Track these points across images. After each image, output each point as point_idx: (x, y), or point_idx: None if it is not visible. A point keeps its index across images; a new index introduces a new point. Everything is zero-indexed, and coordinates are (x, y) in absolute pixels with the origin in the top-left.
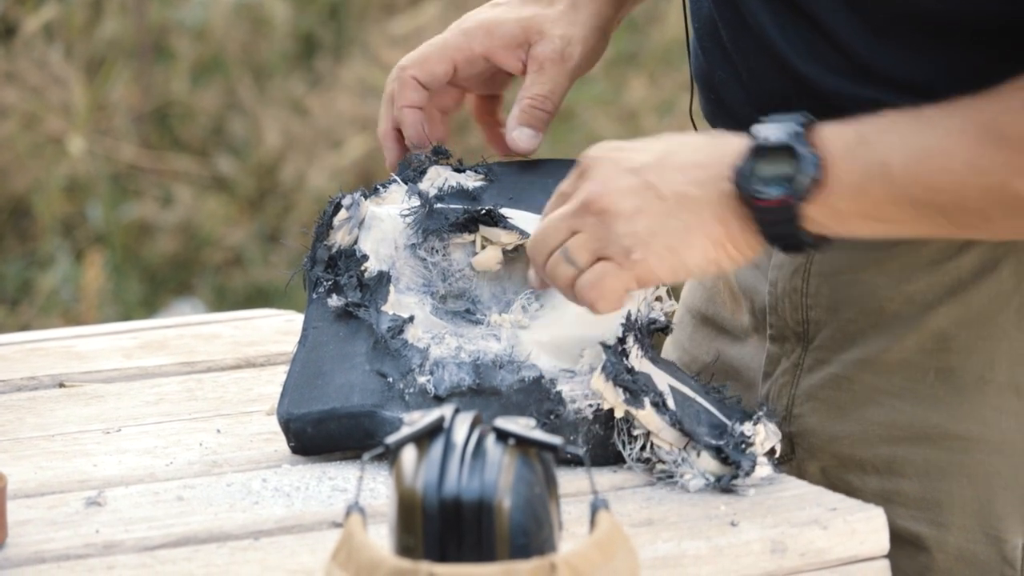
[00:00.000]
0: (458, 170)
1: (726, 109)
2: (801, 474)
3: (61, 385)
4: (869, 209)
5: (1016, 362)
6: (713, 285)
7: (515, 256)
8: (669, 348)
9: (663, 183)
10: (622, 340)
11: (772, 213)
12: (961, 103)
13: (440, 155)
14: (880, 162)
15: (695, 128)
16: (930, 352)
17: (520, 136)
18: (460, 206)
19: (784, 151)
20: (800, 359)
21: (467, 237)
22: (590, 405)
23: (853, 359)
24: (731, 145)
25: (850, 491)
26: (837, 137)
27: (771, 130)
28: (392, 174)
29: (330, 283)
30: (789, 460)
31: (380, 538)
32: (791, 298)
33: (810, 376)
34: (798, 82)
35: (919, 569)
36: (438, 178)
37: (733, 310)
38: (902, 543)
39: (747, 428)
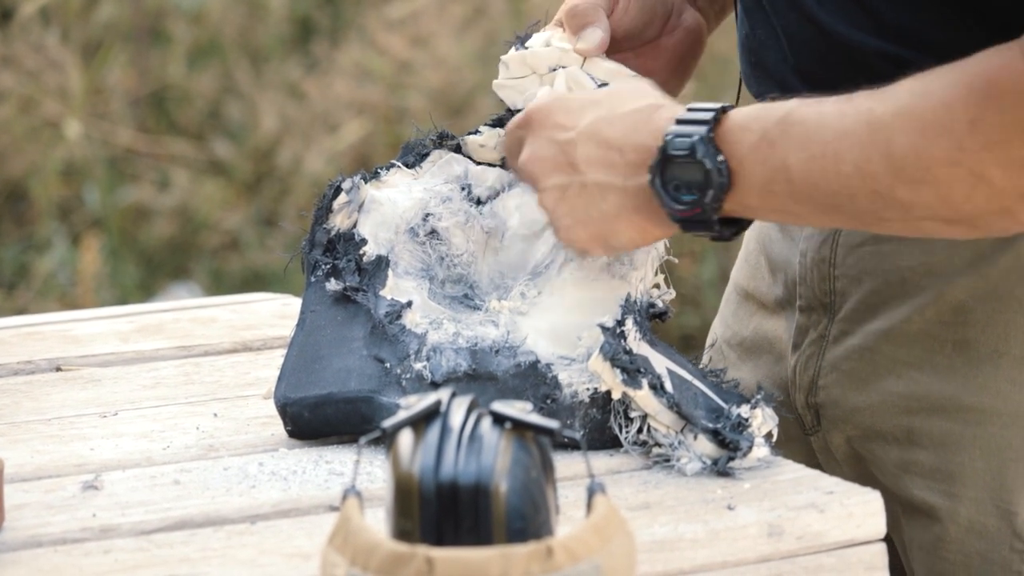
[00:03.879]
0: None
1: (764, 70)
2: (827, 445)
3: (58, 369)
4: (776, 206)
5: None
6: (756, 261)
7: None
8: (716, 324)
9: (587, 168)
10: (621, 322)
11: (686, 220)
12: (860, 100)
13: (444, 139)
14: (781, 163)
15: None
16: (948, 324)
17: (582, 40)
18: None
19: (691, 158)
20: (826, 330)
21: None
22: (587, 389)
23: (875, 330)
24: (654, 128)
25: (874, 461)
26: (744, 136)
27: (681, 132)
28: (394, 160)
29: (328, 267)
30: (816, 432)
31: (377, 522)
32: (819, 268)
33: (835, 347)
34: (828, 38)
35: (932, 539)
36: (439, 160)
37: (770, 283)
38: (917, 513)
39: (744, 411)
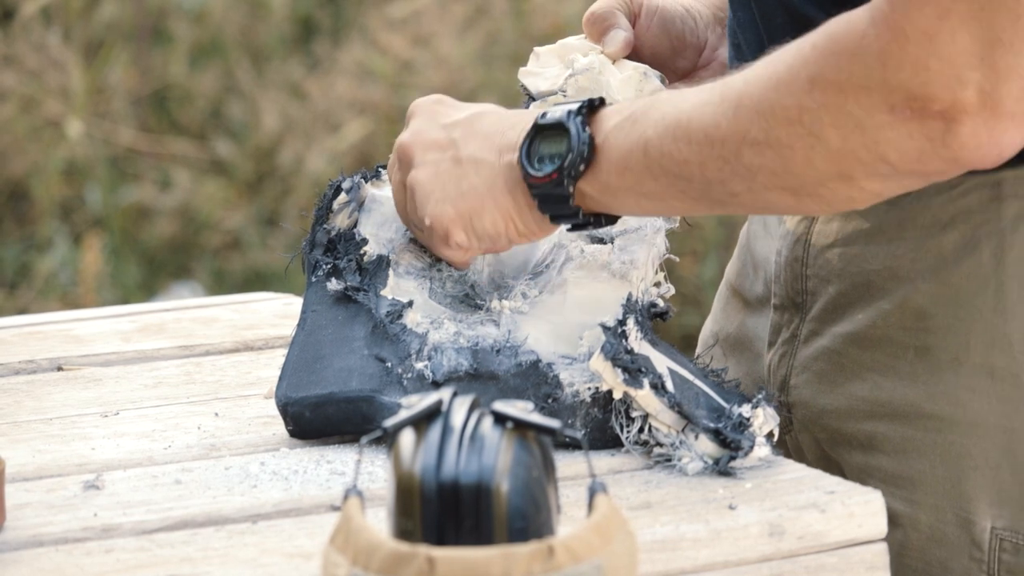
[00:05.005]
0: None
1: (742, 55)
2: (798, 445)
3: (59, 368)
4: (633, 184)
5: (990, 344)
6: (744, 257)
7: None
8: (708, 321)
9: (464, 144)
10: (622, 322)
11: (544, 188)
12: (725, 78)
13: None
14: (640, 136)
15: None
16: (910, 330)
17: (607, 44)
18: None
19: (560, 130)
20: (798, 330)
21: None
22: (588, 388)
23: (843, 332)
24: (529, 118)
25: (841, 464)
26: (612, 117)
27: (555, 110)
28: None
29: (329, 266)
30: (789, 431)
31: (378, 521)
32: (792, 267)
33: (805, 348)
34: (800, 22)
35: (895, 547)
36: None
37: (752, 280)
38: None
39: (745, 411)
